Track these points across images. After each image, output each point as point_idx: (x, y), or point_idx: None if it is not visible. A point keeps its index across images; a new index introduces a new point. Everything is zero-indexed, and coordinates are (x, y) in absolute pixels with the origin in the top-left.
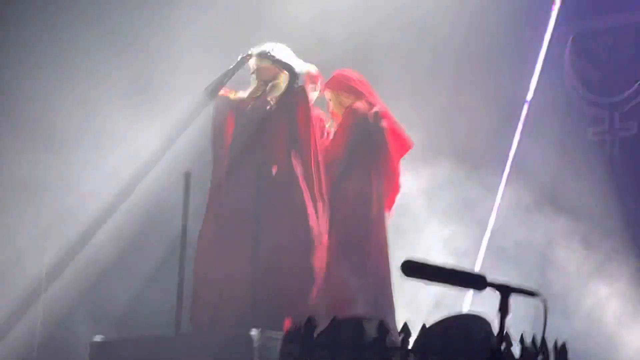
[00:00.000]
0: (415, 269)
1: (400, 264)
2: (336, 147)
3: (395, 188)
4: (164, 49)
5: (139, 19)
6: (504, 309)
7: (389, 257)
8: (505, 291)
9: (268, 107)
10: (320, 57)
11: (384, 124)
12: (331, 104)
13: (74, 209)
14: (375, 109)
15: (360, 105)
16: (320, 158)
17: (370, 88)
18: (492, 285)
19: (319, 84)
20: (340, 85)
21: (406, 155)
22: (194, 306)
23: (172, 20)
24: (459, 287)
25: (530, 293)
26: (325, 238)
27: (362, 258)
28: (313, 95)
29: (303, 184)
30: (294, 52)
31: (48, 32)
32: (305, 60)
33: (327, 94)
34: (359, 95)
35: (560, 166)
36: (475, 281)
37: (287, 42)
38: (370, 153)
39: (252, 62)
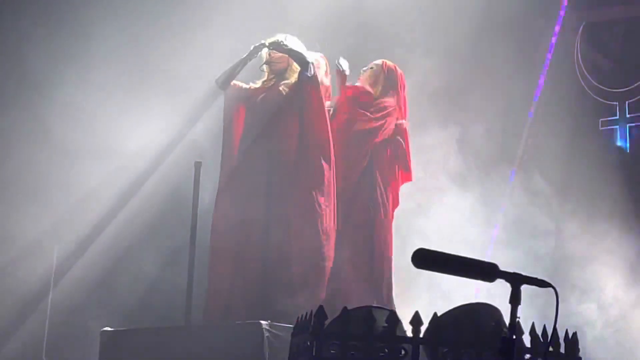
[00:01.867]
0: (426, 259)
1: (411, 254)
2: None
3: (395, 199)
4: (176, 39)
5: (150, 10)
6: (515, 299)
7: (392, 248)
8: (517, 281)
9: (280, 97)
10: (331, 44)
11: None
12: (369, 72)
13: (85, 202)
14: (400, 122)
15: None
16: (331, 147)
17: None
18: (504, 274)
19: (324, 63)
20: (392, 71)
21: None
22: (208, 298)
23: (183, 10)
24: (471, 277)
25: (541, 283)
26: (333, 228)
27: (368, 249)
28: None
29: (314, 174)
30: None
31: (55, 26)
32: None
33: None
34: (394, 89)
35: (571, 155)
36: (487, 271)
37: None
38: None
39: (264, 52)
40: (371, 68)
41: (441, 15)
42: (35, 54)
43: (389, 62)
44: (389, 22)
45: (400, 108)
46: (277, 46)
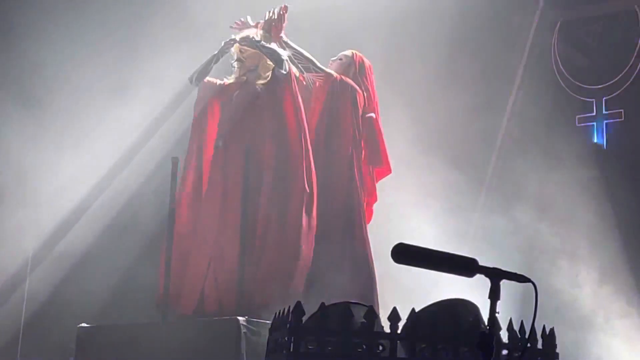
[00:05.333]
0: (405, 254)
1: (391, 249)
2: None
3: (372, 197)
4: (148, 35)
5: (126, 8)
6: (494, 294)
7: (369, 243)
8: (496, 276)
9: (256, 94)
10: (310, 41)
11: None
12: (339, 63)
13: (59, 194)
14: (370, 115)
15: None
16: (307, 143)
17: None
18: (483, 269)
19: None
20: (362, 63)
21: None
22: (177, 293)
23: (156, 8)
24: (450, 272)
25: (520, 278)
26: (312, 223)
27: (348, 246)
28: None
29: (291, 170)
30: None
31: (35, 25)
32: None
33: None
34: (363, 80)
35: (547, 152)
36: (466, 265)
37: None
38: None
39: (236, 49)
40: (340, 59)
41: (416, 12)
42: (16, 49)
43: (358, 53)
44: (363, 18)
45: (370, 101)
46: (248, 42)
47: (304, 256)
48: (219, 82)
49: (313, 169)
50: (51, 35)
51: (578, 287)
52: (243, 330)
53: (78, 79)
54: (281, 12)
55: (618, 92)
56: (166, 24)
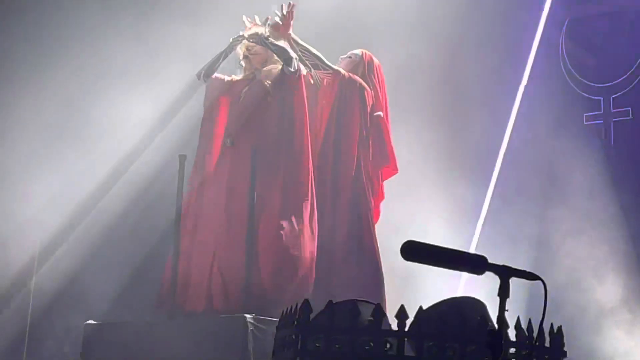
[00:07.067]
0: (415, 251)
1: (400, 247)
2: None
3: (379, 196)
4: (158, 31)
5: (136, 5)
6: (504, 292)
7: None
8: (506, 274)
9: (265, 92)
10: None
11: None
12: (348, 61)
13: (66, 190)
14: (378, 113)
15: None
16: (309, 142)
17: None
18: (493, 267)
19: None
20: (371, 62)
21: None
22: (184, 291)
23: (165, 2)
24: (460, 269)
25: (530, 276)
26: (314, 220)
27: (356, 244)
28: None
29: (296, 167)
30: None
31: (47, 20)
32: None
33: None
34: (372, 80)
35: (555, 151)
36: (476, 263)
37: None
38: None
39: (244, 46)
40: (349, 57)
41: (421, 10)
42: (25, 43)
43: (368, 52)
44: (369, 17)
45: (378, 100)
46: (256, 39)
47: (309, 252)
48: (227, 78)
49: (311, 167)
50: (51, 22)
51: (587, 289)
52: (250, 327)
53: (86, 72)
54: (289, 10)
55: (626, 90)
56: (174, 18)
